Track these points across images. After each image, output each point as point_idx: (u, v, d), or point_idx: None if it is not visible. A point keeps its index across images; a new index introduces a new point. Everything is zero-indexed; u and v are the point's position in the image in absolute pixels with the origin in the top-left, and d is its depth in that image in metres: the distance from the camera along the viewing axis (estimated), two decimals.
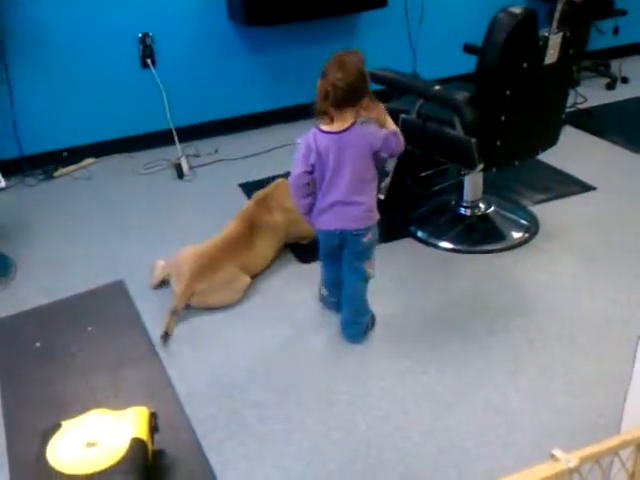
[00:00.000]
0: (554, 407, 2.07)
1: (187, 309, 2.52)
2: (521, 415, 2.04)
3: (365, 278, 2.33)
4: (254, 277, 2.68)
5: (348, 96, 2.07)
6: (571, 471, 1.09)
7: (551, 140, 2.92)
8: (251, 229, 2.71)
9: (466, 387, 2.16)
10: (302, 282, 2.69)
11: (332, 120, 2.13)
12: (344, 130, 2.12)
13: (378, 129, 2.18)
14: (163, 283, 2.66)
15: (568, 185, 3.37)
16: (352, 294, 2.35)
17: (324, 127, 2.14)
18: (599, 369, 2.21)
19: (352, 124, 2.13)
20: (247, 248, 2.66)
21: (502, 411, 2.06)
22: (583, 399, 2.09)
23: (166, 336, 2.37)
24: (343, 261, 2.33)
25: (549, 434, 1.97)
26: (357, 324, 2.36)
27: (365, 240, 2.23)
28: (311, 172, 2.18)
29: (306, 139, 2.17)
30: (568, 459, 1.10)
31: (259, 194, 2.88)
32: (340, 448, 1.95)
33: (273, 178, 3.08)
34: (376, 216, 2.26)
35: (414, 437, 1.98)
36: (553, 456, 1.11)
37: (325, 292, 2.50)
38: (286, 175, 2.94)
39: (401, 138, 2.21)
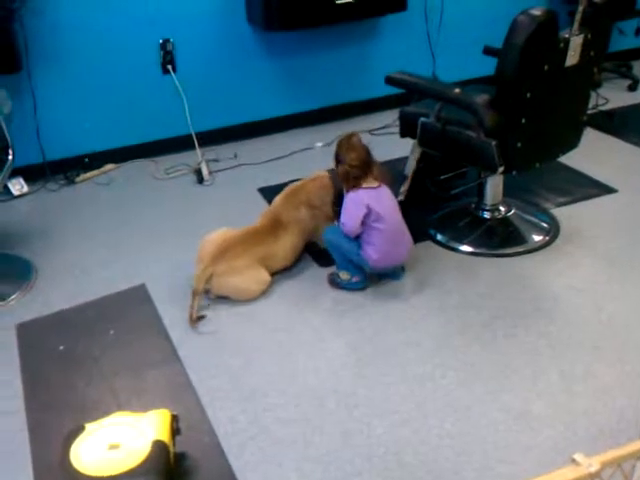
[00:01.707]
0: (575, 411, 2.05)
1: (209, 317, 2.54)
2: (542, 419, 2.03)
3: None
4: (275, 274, 2.71)
5: (364, 170, 2.53)
6: (592, 476, 1.09)
7: (572, 142, 2.90)
8: (275, 224, 2.73)
9: (486, 391, 2.15)
10: (321, 286, 2.70)
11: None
12: (378, 186, 2.57)
13: None
14: None
15: (589, 187, 3.35)
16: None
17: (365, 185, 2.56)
18: (620, 373, 2.19)
19: (380, 184, 2.58)
20: (269, 242, 2.69)
21: (522, 415, 2.05)
22: (604, 403, 2.07)
23: (195, 319, 2.46)
24: None
25: (570, 438, 1.95)
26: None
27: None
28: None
29: (355, 197, 2.55)
30: (589, 463, 1.09)
31: (291, 188, 2.89)
32: (359, 451, 1.95)
33: (292, 182, 3.09)
34: None
35: (433, 441, 1.97)
36: (574, 460, 1.10)
37: (348, 275, 2.65)
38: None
39: None
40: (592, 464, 1.09)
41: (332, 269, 2.74)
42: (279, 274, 2.73)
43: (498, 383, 2.18)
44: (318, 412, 2.10)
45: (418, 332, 2.43)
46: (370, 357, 2.33)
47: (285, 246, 2.74)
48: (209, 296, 2.62)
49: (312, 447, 1.97)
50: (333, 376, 2.25)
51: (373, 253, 2.55)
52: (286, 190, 2.89)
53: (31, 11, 3.33)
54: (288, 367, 2.29)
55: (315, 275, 2.78)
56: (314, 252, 2.89)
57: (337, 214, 2.85)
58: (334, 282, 2.68)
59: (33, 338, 2.49)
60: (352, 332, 2.46)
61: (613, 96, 4.32)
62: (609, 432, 1.95)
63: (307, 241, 2.85)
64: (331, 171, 2.94)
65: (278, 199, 2.86)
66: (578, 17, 2.55)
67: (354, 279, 2.65)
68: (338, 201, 2.84)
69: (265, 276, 2.65)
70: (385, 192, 2.58)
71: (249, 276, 2.62)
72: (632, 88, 4.54)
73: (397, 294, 2.66)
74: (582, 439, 1.95)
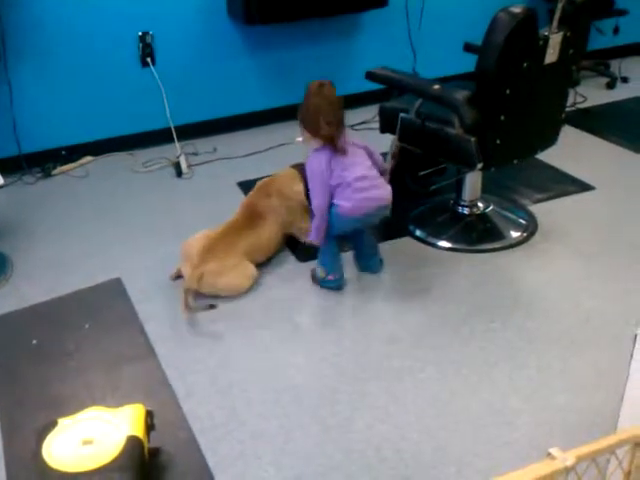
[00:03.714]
0: (552, 406, 2.07)
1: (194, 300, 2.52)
2: (519, 414, 2.04)
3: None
4: (258, 266, 2.70)
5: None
6: (567, 469, 1.09)
7: (550, 139, 2.92)
8: (251, 215, 2.75)
9: (464, 386, 2.16)
10: (301, 280, 2.69)
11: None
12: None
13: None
14: (180, 276, 2.66)
15: (567, 184, 3.37)
16: (362, 240, 2.70)
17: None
18: (597, 368, 2.20)
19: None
20: (250, 235, 2.69)
21: (500, 410, 2.06)
22: (581, 398, 2.09)
23: (188, 309, 2.44)
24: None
25: (546, 433, 1.97)
26: (376, 255, 2.75)
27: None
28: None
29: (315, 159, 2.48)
30: (565, 457, 1.10)
31: (260, 182, 2.93)
32: (338, 446, 1.94)
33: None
34: None
35: (412, 436, 1.97)
36: (550, 454, 1.11)
37: (324, 272, 2.61)
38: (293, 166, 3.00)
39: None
40: (567, 458, 1.09)
41: (310, 264, 2.73)
42: (259, 268, 2.72)
43: (476, 378, 2.18)
44: (297, 407, 2.09)
45: (397, 327, 2.43)
46: (349, 352, 2.32)
47: (264, 236, 2.74)
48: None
49: (291, 442, 1.96)
50: (312, 371, 2.24)
51: (345, 202, 2.46)
52: (256, 185, 2.92)
53: (8, 3, 3.29)
54: (267, 362, 2.28)
55: (294, 270, 2.77)
56: (293, 246, 2.88)
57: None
58: (314, 277, 2.67)
59: (6, 332, 2.46)
60: (331, 327, 2.45)
61: (591, 94, 4.36)
62: (586, 427, 1.96)
63: (285, 233, 2.84)
64: (297, 165, 2.95)
65: (249, 193, 2.90)
66: (557, 15, 2.57)
67: (329, 277, 2.62)
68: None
69: (253, 270, 2.65)
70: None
71: (239, 272, 2.62)
72: (610, 86, 4.59)
73: (376, 289, 2.65)
74: (559, 434, 1.96)
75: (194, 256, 2.57)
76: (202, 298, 2.55)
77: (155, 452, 1.90)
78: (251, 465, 1.90)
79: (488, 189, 3.09)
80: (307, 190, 2.73)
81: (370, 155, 2.55)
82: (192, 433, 1.99)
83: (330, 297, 2.60)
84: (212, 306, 2.47)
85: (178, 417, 2.05)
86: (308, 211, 2.77)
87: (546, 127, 2.87)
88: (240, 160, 3.73)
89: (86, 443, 1.74)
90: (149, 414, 1.88)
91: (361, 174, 2.45)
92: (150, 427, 1.88)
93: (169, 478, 1.86)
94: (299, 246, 2.87)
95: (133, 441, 1.75)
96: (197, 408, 2.09)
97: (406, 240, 2.95)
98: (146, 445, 1.82)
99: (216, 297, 2.56)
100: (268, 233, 2.75)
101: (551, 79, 2.67)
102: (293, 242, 2.89)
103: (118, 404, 1.91)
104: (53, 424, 1.80)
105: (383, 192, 2.51)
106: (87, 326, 2.46)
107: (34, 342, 2.38)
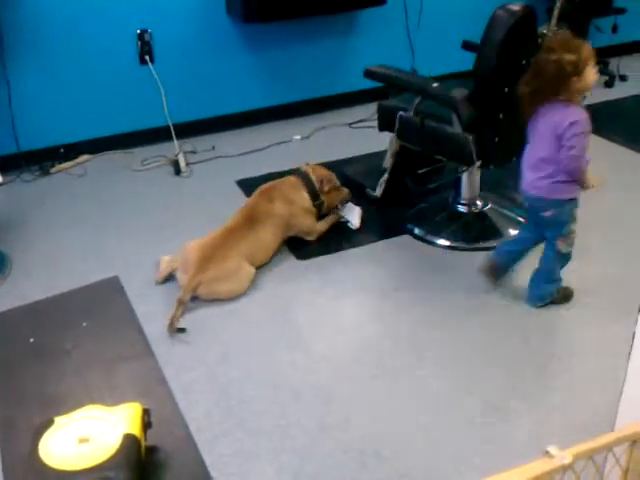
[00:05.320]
0: (550, 405, 2.07)
1: (192, 301, 2.51)
2: (517, 412, 2.04)
3: (556, 253, 2.43)
4: (258, 268, 2.68)
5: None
6: (565, 468, 1.09)
7: None
8: (252, 219, 2.73)
9: (462, 384, 2.15)
10: (299, 279, 2.69)
11: None
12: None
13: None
14: (168, 278, 2.65)
15: None
16: (542, 260, 2.48)
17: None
18: (595, 367, 2.20)
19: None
20: (250, 238, 2.67)
21: (498, 408, 2.05)
22: (578, 397, 2.09)
23: (172, 327, 2.38)
24: None
25: (544, 431, 1.96)
26: (539, 289, 2.48)
27: (545, 214, 2.37)
28: None
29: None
30: (562, 456, 1.09)
31: (263, 186, 2.91)
32: (336, 444, 1.94)
33: (270, 175, 3.08)
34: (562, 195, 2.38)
35: (409, 433, 1.97)
36: (547, 453, 1.10)
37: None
38: (288, 172, 2.99)
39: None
40: (565, 456, 1.09)
41: (309, 262, 2.72)
42: (258, 266, 2.71)
43: (474, 376, 2.18)
44: (295, 405, 2.09)
45: (394, 325, 2.43)
46: (347, 350, 2.32)
47: (265, 239, 2.73)
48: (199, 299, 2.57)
49: (289, 440, 1.96)
50: (310, 369, 2.24)
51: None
52: (257, 190, 2.90)
53: (6, 1, 3.28)
54: (264, 360, 2.28)
55: (292, 268, 2.76)
56: (293, 245, 2.88)
57: (318, 208, 2.90)
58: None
59: (4, 330, 2.45)
60: (328, 325, 2.45)
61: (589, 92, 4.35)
62: (583, 426, 1.96)
63: (286, 236, 2.84)
64: (298, 174, 2.95)
65: (251, 198, 2.88)
66: (556, 13, 2.57)
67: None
68: (314, 196, 2.89)
69: (250, 272, 2.63)
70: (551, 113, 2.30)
71: (237, 277, 2.59)
72: (609, 85, 4.58)
73: (374, 287, 2.65)
74: (556, 432, 1.96)
75: (191, 267, 2.54)
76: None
77: (152, 450, 1.89)
78: (248, 463, 1.89)
79: (486, 187, 3.08)
80: (313, 197, 2.86)
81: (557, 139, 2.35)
82: (189, 431, 1.99)
83: (327, 295, 2.60)
84: (181, 330, 2.40)
85: (175, 415, 2.05)
86: (312, 214, 2.85)
87: None
88: (239, 158, 3.72)
89: (82, 441, 1.74)
90: (146, 412, 1.88)
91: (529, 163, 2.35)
92: (147, 425, 1.88)
93: (165, 476, 1.86)
94: (299, 245, 2.87)
95: (130, 439, 1.74)
96: (194, 406, 2.09)
97: (405, 238, 2.95)
98: (143, 443, 1.82)
99: (215, 300, 2.56)
100: (269, 236, 2.74)
101: None
102: (293, 241, 2.88)
103: (115, 402, 1.91)
104: (49, 422, 1.80)
105: (531, 186, 2.38)
106: (85, 324, 2.45)
107: (31, 340, 2.38)
